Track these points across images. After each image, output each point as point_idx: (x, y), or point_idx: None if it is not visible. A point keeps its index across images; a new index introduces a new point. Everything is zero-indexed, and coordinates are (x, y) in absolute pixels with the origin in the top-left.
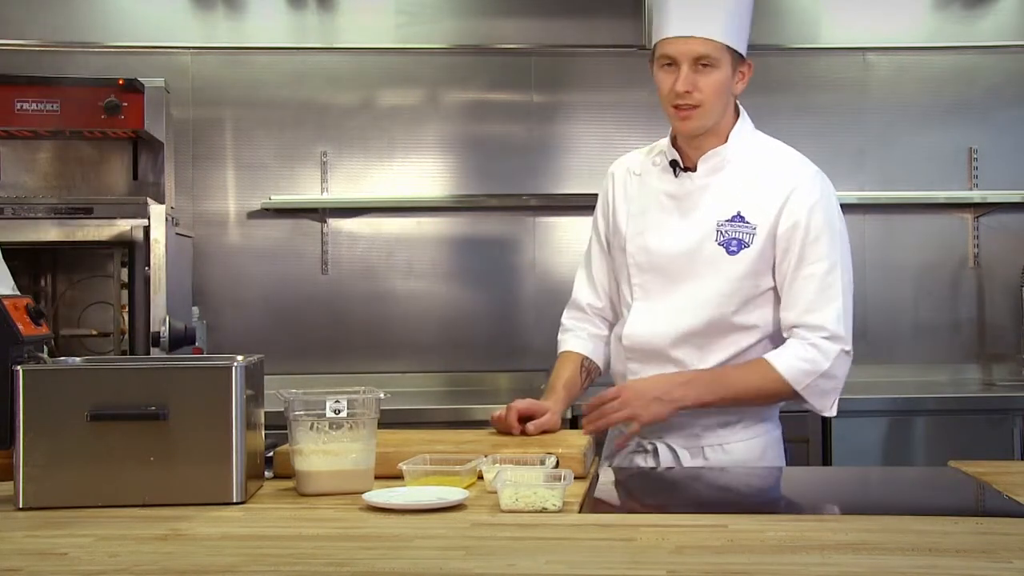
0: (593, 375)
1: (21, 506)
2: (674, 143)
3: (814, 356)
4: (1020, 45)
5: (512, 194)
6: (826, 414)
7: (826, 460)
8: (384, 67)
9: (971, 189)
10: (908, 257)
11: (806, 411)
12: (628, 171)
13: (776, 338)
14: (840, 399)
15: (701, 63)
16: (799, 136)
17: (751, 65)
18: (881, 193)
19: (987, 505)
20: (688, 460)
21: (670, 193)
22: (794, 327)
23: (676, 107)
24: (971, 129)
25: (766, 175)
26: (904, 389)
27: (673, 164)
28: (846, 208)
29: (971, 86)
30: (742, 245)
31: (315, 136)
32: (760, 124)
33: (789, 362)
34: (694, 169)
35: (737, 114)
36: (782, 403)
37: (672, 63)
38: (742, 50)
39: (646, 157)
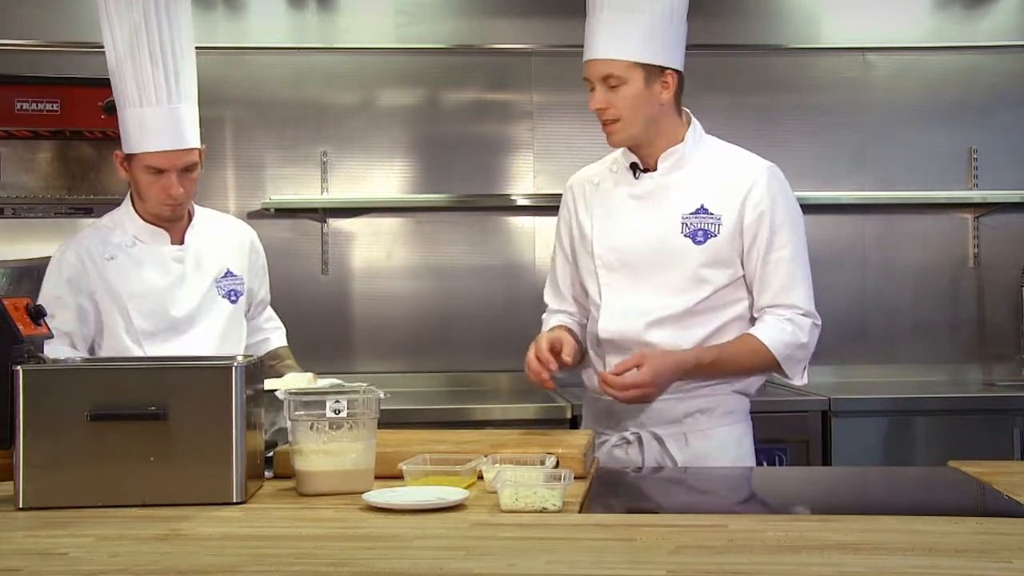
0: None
1: (21, 506)
2: (631, 148)
3: (793, 329)
4: (1020, 45)
5: (512, 194)
6: (796, 382)
7: (826, 460)
8: (384, 67)
9: (971, 189)
10: (908, 257)
11: (806, 411)
12: (587, 181)
13: (746, 320)
14: (840, 399)
15: (609, 83)
16: (799, 136)
17: (674, 73)
18: (881, 193)
19: (987, 505)
20: (673, 447)
21: (633, 194)
22: (769, 307)
23: (602, 123)
24: (971, 129)
25: (725, 169)
26: (904, 389)
27: (633, 167)
28: (846, 208)
29: (971, 86)
30: (708, 235)
31: (315, 136)
32: (760, 124)
33: (773, 335)
34: (654, 169)
35: (688, 120)
36: (752, 395)
37: (591, 85)
38: (659, 61)
39: (602, 167)
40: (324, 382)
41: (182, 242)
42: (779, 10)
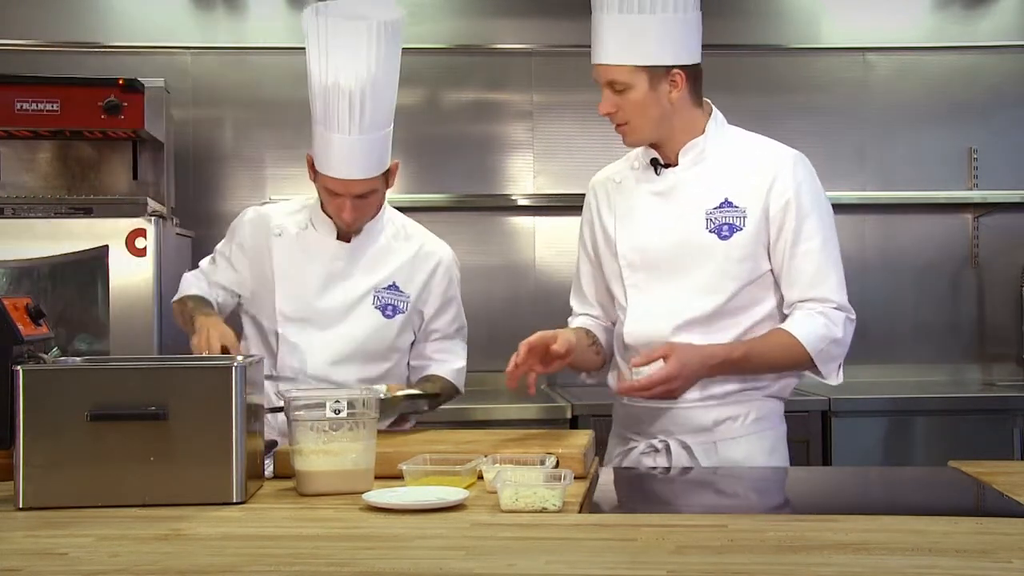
0: (602, 353)
1: (21, 506)
2: (651, 144)
3: (826, 323)
4: (1020, 45)
5: (512, 194)
6: (832, 381)
7: (826, 460)
8: None
9: (971, 189)
10: (908, 257)
11: (806, 411)
12: (608, 180)
13: (776, 319)
14: (840, 399)
15: (615, 88)
16: (799, 136)
17: (682, 70)
18: (881, 193)
19: (987, 505)
20: (701, 455)
21: (655, 191)
22: (800, 301)
23: (614, 126)
24: (971, 129)
25: (749, 160)
26: (904, 389)
27: (654, 162)
28: (846, 208)
29: (971, 86)
30: (734, 229)
31: None
32: (760, 124)
33: (805, 329)
34: (675, 163)
35: (709, 111)
36: (786, 398)
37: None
38: (664, 61)
39: (624, 165)
40: (402, 392)
41: (348, 241)
42: (779, 10)
